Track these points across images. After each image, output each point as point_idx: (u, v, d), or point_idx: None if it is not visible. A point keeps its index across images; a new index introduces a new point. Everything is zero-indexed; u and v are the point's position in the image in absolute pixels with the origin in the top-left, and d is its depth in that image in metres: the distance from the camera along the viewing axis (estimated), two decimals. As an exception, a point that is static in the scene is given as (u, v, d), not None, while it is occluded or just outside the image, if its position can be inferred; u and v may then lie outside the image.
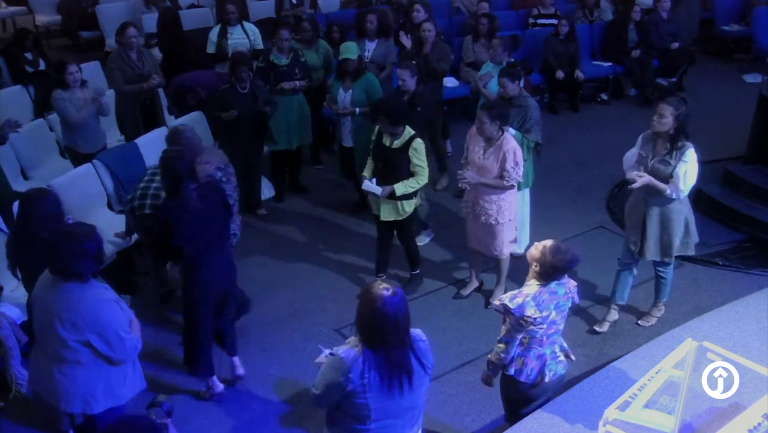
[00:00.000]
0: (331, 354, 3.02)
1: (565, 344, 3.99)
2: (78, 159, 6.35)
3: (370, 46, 7.50)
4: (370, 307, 2.91)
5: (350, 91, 6.46)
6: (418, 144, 5.22)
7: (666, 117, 4.70)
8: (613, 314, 5.42)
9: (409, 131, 5.24)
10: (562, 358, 3.90)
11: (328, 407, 3.10)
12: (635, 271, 5.31)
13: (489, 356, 3.92)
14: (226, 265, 4.65)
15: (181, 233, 4.31)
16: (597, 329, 5.31)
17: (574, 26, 9.54)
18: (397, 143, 5.23)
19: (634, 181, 4.80)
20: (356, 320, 2.98)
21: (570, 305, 3.86)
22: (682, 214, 4.96)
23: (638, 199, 5.03)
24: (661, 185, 4.78)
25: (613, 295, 5.38)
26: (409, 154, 5.22)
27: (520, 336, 3.74)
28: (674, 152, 4.74)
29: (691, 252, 5.14)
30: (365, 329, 2.94)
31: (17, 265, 4.44)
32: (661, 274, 5.28)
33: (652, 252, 5.05)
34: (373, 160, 5.47)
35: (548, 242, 3.74)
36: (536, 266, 3.74)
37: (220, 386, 4.75)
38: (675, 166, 4.73)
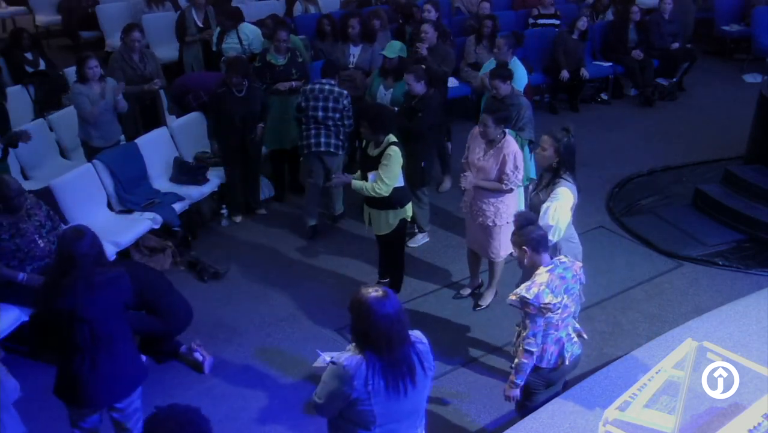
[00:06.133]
0: (332, 362, 2.91)
1: (577, 324, 4.08)
2: (91, 152, 6.35)
3: (354, 51, 7.45)
4: (367, 314, 2.82)
5: (391, 90, 6.48)
6: (393, 150, 5.04)
7: (546, 150, 4.37)
8: None
9: (388, 140, 5.10)
10: (576, 339, 4.00)
11: (331, 416, 3.02)
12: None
13: (514, 362, 3.90)
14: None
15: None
16: None
17: (589, 25, 9.44)
18: (376, 151, 5.12)
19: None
20: (354, 330, 2.89)
21: (579, 287, 3.97)
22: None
23: None
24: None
25: None
26: (381, 159, 5.07)
27: (542, 324, 3.78)
28: (550, 187, 4.40)
29: None
30: (366, 336, 2.85)
31: None
32: None
33: None
34: (359, 167, 5.40)
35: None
36: (524, 251, 3.86)
37: None
38: (545, 201, 4.38)
